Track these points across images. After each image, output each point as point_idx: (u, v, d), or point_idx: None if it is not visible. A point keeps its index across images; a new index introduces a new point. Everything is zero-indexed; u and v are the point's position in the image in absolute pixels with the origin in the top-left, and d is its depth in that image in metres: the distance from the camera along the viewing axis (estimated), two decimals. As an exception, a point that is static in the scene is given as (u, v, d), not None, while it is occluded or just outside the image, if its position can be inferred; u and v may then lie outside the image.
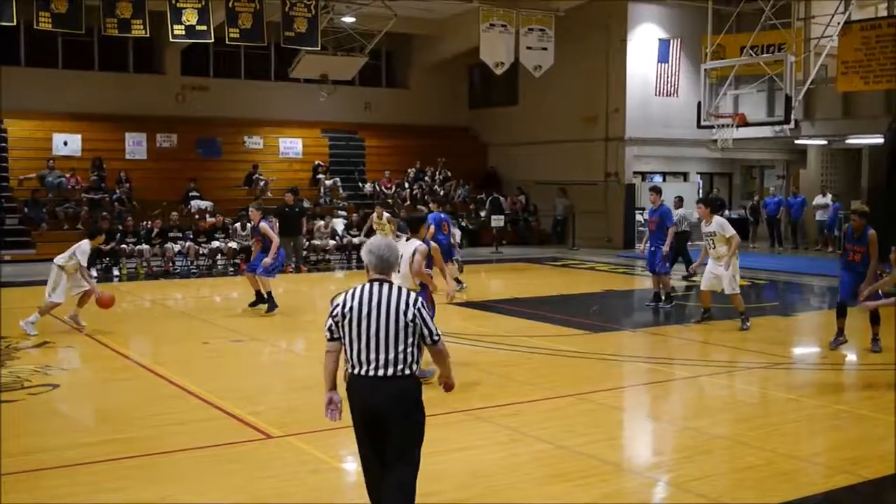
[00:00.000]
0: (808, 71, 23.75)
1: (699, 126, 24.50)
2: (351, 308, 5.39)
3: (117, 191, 24.97)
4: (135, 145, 27.34)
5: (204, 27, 21.47)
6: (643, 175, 29.82)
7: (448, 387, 6.09)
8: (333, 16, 24.54)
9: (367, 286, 5.45)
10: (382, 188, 29.29)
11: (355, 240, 24.03)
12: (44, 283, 13.48)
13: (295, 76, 26.75)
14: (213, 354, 12.22)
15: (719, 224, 13.39)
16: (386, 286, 5.44)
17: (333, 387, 5.57)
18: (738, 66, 23.52)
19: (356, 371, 5.39)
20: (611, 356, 11.98)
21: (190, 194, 25.79)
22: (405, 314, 5.37)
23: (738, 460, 7.58)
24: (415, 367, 5.44)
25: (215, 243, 22.57)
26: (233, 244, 22.54)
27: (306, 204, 25.26)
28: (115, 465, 7.18)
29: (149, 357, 11.87)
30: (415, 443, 5.53)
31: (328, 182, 28.07)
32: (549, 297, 17.45)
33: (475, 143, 33.61)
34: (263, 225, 15.30)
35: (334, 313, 5.45)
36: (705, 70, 23.93)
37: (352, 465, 7.53)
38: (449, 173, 30.73)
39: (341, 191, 28.21)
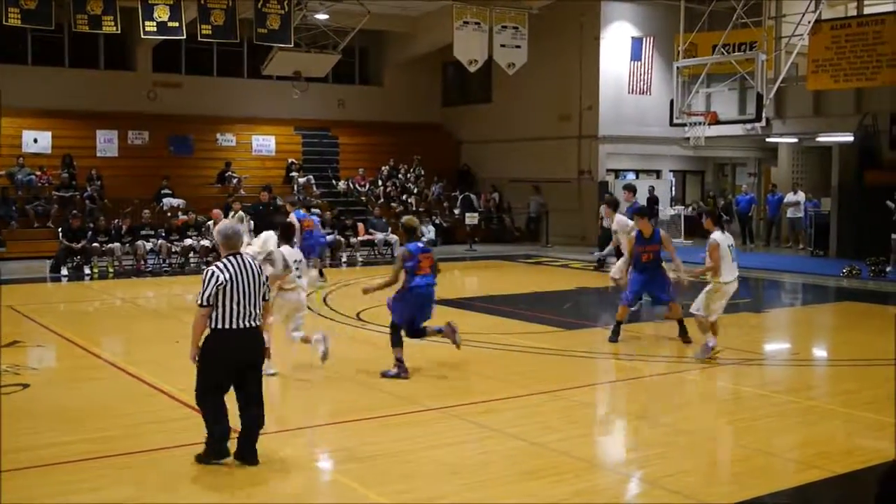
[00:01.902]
0: (779, 69, 23.92)
1: (672, 124, 24.65)
2: (228, 278, 6.86)
3: (88, 188, 24.76)
4: (106, 142, 27.13)
5: (176, 24, 21.33)
6: (616, 173, 29.94)
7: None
8: (306, 13, 24.45)
9: (232, 259, 7.00)
10: (356, 185, 29.24)
11: (328, 237, 23.98)
12: (15, 281, 13.33)
13: (268, 73, 26.63)
14: (186, 353, 12.13)
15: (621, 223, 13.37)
16: (240, 257, 7.05)
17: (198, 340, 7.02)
18: (710, 65, 23.66)
19: (233, 325, 6.88)
20: (584, 353, 12.02)
21: (162, 192, 25.61)
22: (261, 277, 7.09)
23: (710, 456, 7.62)
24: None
25: (188, 241, 22.42)
26: (205, 242, 22.39)
27: (279, 202, 25.16)
28: (90, 464, 7.12)
29: (121, 356, 11.77)
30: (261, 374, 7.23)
31: (301, 180, 27.97)
32: (523, 295, 17.47)
33: (449, 141, 33.60)
34: None
35: (219, 283, 6.83)
36: (678, 68, 24.05)
37: (325, 464, 7.52)
38: (422, 171, 30.71)
39: (315, 188, 28.11)
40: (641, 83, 27.55)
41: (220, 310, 6.86)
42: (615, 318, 12.50)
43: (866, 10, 23.30)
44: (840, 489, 6.81)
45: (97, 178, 25.24)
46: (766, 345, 13.19)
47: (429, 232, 28.23)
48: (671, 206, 29.91)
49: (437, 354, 11.65)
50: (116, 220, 22.35)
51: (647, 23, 28.20)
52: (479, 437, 7.92)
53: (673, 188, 31.30)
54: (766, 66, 22.88)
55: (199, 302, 6.85)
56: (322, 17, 25.59)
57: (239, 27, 22.30)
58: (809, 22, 22.89)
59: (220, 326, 6.89)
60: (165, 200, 25.28)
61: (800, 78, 25.01)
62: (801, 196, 26.55)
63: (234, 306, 6.85)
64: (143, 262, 21.62)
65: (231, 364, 6.98)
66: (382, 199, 28.62)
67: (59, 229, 21.82)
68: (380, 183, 29.66)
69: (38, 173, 24.85)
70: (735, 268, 11.10)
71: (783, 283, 20.18)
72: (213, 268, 6.95)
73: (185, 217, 23.49)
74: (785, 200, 27.01)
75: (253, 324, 6.94)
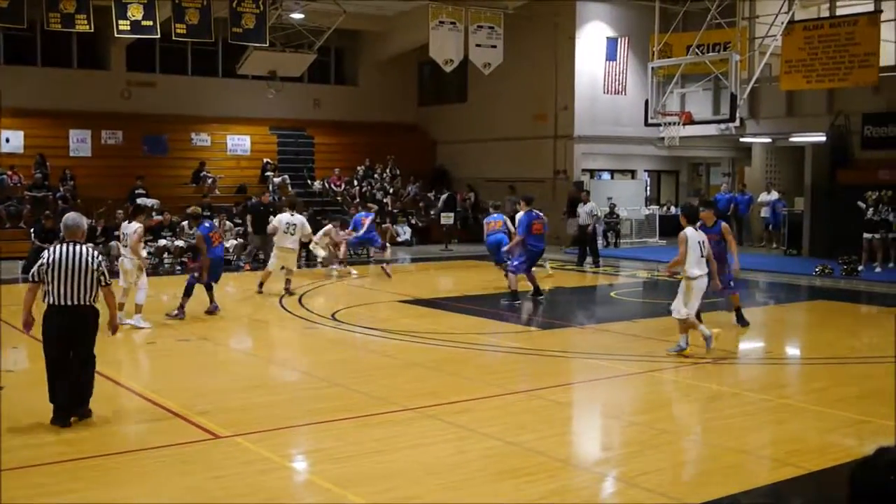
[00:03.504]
0: (753, 70, 24.09)
1: (646, 124, 24.75)
2: (50, 261, 8.00)
3: (61, 188, 24.57)
4: (79, 142, 26.94)
5: (150, 23, 21.21)
6: (591, 172, 30.05)
7: (113, 328, 8.74)
8: (282, 12, 24.39)
9: (64, 246, 8.13)
10: (332, 185, 29.18)
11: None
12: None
13: (243, 73, 26.53)
14: (160, 354, 12.09)
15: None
16: (72, 245, 8.13)
17: (30, 311, 8.18)
18: (685, 65, 23.79)
19: (58, 302, 7.98)
20: (559, 353, 12.05)
21: (136, 192, 25.44)
22: (91, 264, 8.07)
23: (684, 454, 7.67)
24: (95, 299, 8.12)
25: (162, 241, 22.28)
26: (179, 242, 22.27)
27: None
28: (65, 466, 7.08)
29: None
30: (92, 348, 8.27)
31: (277, 179, 27.88)
32: (498, 295, 17.48)
33: (425, 141, 33.60)
34: None
35: (41, 264, 8.02)
36: (652, 68, 24.16)
37: (301, 465, 7.51)
38: (398, 171, 30.70)
39: (290, 188, 28.03)
40: (616, 83, 27.66)
41: (48, 287, 8.01)
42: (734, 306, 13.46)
43: (839, 12, 23.49)
44: (813, 486, 6.87)
45: (70, 178, 25.05)
46: (739, 343, 13.26)
47: (404, 232, 28.26)
48: (646, 205, 30.06)
49: (414, 355, 11.66)
50: (90, 221, 22.16)
51: (622, 23, 28.32)
52: (456, 437, 7.92)
53: (648, 188, 31.45)
54: (739, 67, 23.03)
55: (29, 277, 8.27)
56: (297, 16, 25.53)
57: (214, 26, 22.21)
58: (782, 23, 23.07)
59: (48, 302, 8.05)
60: (140, 200, 25.08)
61: (773, 78, 25.19)
62: (774, 195, 26.75)
63: (58, 286, 7.96)
64: (116, 263, 21.43)
65: (54, 336, 8.03)
66: (358, 199, 28.58)
67: (32, 230, 21.62)
68: (355, 183, 29.62)
69: (10, 173, 24.64)
70: (703, 264, 11.23)
71: (757, 282, 20.32)
72: (45, 251, 8.34)
73: (159, 217, 23.34)
74: (759, 200, 27.20)
75: (75, 302, 7.98)
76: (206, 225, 14.80)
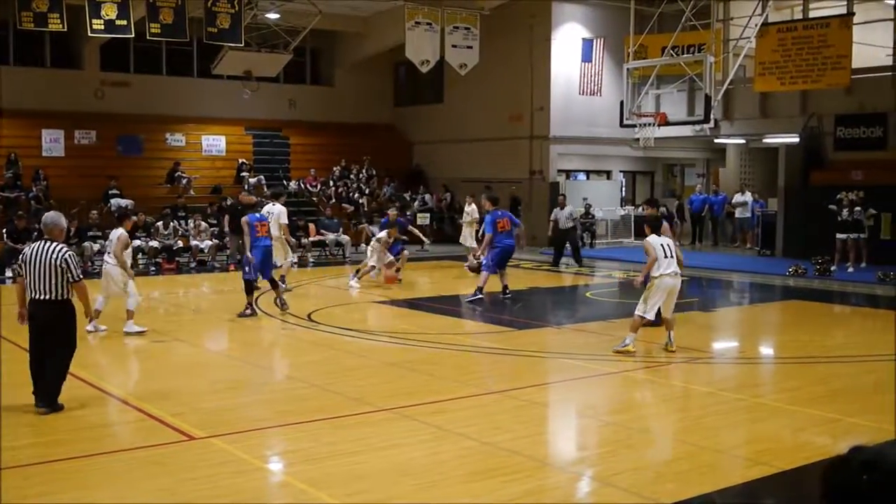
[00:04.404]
0: (727, 71, 24.24)
1: (622, 125, 24.84)
2: (26, 256, 8.56)
3: (33, 188, 24.33)
4: (52, 142, 26.70)
5: (124, 22, 21.04)
6: (567, 173, 30.13)
7: (88, 314, 9.28)
8: (257, 12, 24.28)
9: (38, 244, 8.65)
10: (307, 186, 29.10)
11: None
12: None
13: (218, 73, 26.36)
14: (134, 356, 12.01)
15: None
16: (44, 244, 8.57)
17: (23, 304, 8.70)
18: (660, 66, 23.91)
19: (31, 296, 8.52)
20: (535, 353, 12.07)
21: (110, 192, 25.26)
22: (56, 260, 8.41)
23: (660, 453, 7.70)
24: (66, 295, 8.50)
25: (136, 242, 22.09)
26: (154, 243, 22.15)
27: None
28: (38, 469, 7.02)
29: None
30: (65, 341, 8.59)
31: (252, 180, 27.75)
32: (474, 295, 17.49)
33: (401, 141, 33.56)
34: None
35: (20, 260, 8.69)
36: (627, 69, 24.26)
37: (276, 466, 7.48)
38: (374, 171, 30.65)
39: (266, 189, 27.91)
40: (592, 84, 27.75)
41: (25, 282, 8.59)
42: None
43: (812, 14, 23.67)
44: (786, 485, 6.92)
45: (43, 178, 24.81)
46: (714, 343, 13.35)
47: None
48: (621, 206, 30.19)
49: (390, 356, 11.65)
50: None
51: (598, 24, 28.41)
52: (431, 438, 7.92)
53: (623, 189, 31.57)
54: (714, 68, 23.17)
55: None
56: (273, 16, 25.43)
57: (189, 26, 22.06)
58: (756, 25, 23.22)
59: (27, 296, 8.64)
60: (113, 201, 24.90)
61: (747, 80, 25.36)
62: (748, 196, 26.93)
63: (31, 281, 8.48)
64: (90, 264, 21.31)
65: (29, 328, 8.61)
66: (334, 200, 28.51)
67: (4, 230, 21.42)
68: (331, 183, 29.55)
69: (-18, 173, 24.39)
70: (668, 264, 11.40)
71: (731, 283, 20.45)
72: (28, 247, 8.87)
73: (134, 218, 23.16)
74: (733, 201, 27.37)
75: (42, 297, 8.43)
76: (257, 215, 14.96)
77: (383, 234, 18.90)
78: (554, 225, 22.73)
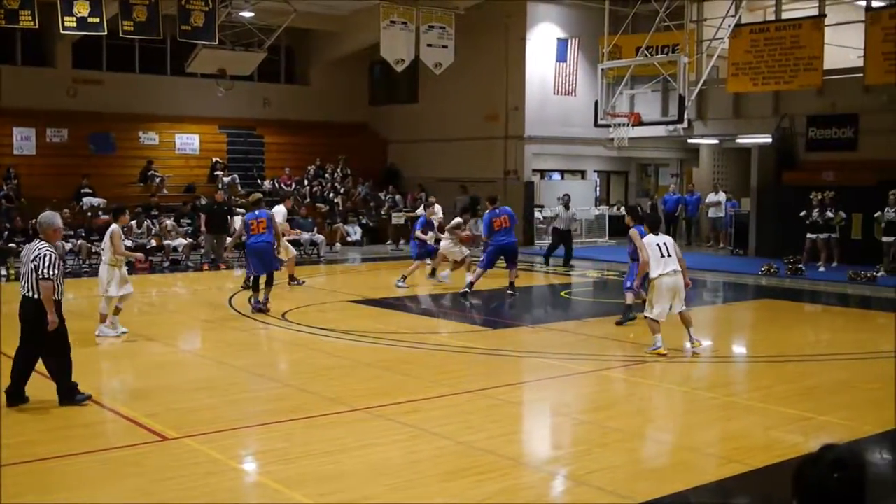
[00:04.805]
0: (701, 72, 24.38)
1: (596, 125, 24.94)
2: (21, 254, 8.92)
3: (4, 187, 24.10)
4: (23, 140, 26.42)
5: (97, 19, 20.88)
6: (542, 173, 30.20)
7: (49, 323, 8.63)
8: (231, 10, 24.15)
9: (32, 242, 8.92)
10: (282, 185, 29.00)
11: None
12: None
13: (192, 71, 26.22)
14: (106, 355, 11.92)
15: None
16: (36, 241, 8.85)
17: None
18: (634, 67, 24.02)
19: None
20: (510, 352, 12.09)
21: (82, 191, 25.07)
22: (32, 257, 8.60)
23: (634, 452, 7.74)
24: (37, 294, 8.56)
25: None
26: (127, 242, 21.96)
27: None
28: (10, 470, 6.92)
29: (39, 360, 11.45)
30: (27, 339, 8.76)
31: (226, 179, 27.65)
32: (449, 294, 17.51)
33: (376, 140, 33.50)
34: None
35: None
36: (602, 70, 24.36)
37: (250, 466, 7.45)
38: (349, 170, 30.59)
39: (240, 188, 27.82)
40: (567, 84, 27.82)
41: None
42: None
43: (784, 15, 23.85)
44: (759, 482, 6.96)
45: (14, 176, 24.58)
46: (687, 342, 13.41)
47: (355, 232, 28.18)
48: (596, 205, 30.30)
49: (364, 355, 11.63)
50: (34, 220, 21.77)
51: (573, 24, 28.48)
52: (406, 437, 7.92)
53: (598, 188, 31.69)
54: (687, 69, 23.30)
55: None
56: (247, 14, 25.31)
57: (162, 24, 21.93)
58: (729, 26, 23.38)
59: None
60: (86, 200, 24.75)
61: (720, 80, 25.52)
62: (722, 196, 27.10)
63: (21, 277, 8.87)
64: (62, 263, 21.13)
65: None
66: (309, 199, 28.43)
67: (-26, 229, 21.24)
68: (306, 182, 29.46)
69: (-48, 171, 24.13)
70: (666, 264, 11.38)
71: (704, 282, 20.56)
72: None
73: (106, 217, 23.02)
74: (706, 201, 27.52)
75: (22, 293, 8.71)
76: (255, 212, 15.10)
77: (459, 219, 18.73)
78: (554, 223, 22.76)
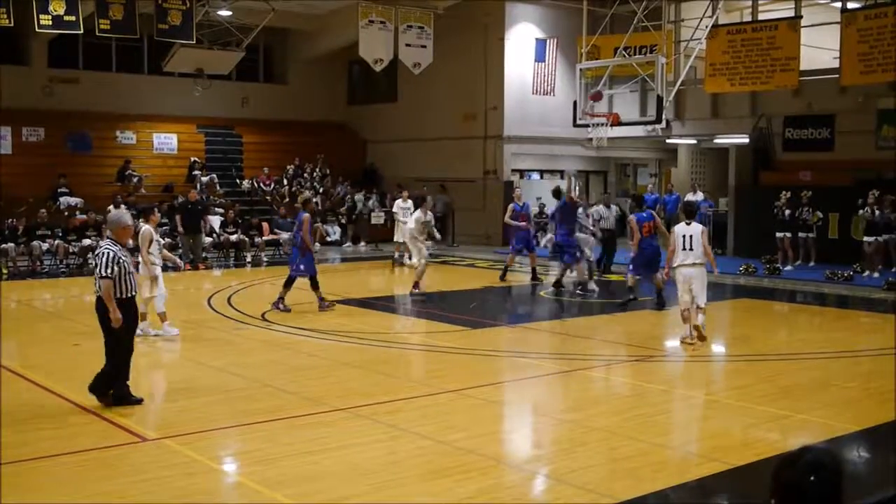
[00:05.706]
0: (679, 72, 24.47)
1: (575, 125, 24.94)
2: None
3: (-20, 187, 23.91)
4: (-1, 139, 26.22)
5: (72, 17, 20.72)
6: (521, 172, 30.24)
7: (114, 321, 8.62)
8: (209, 9, 24.03)
9: None
10: (261, 185, 28.92)
11: (233, 237, 23.72)
12: None
13: (169, 70, 26.08)
14: (85, 357, 11.83)
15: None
16: (104, 241, 9.45)
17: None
18: (612, 67, 24.05)
19: None
20: (490, 352, 12.11)
21: (59, 190, 24.89)
22: (95, 258, 8.93)
23: (614, 451, 7.76)
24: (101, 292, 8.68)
25: (86, 241, 21.82)
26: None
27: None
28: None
29: (16, 360, 11.37)
30: (106, 331, 8.81)
31: (205, 178, 27.52)
32: (429, 294, 17.50)
33: (355, 140, 33.45)
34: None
35: None
36: (580, 70, 24.38)
37: (230, 467, 7.42)
38: (328, 170, 30.53)
39: (218, 187, 27.70)
40: (545, 84, 27.86)
41: None
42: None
43: (761, 16, 23.99)
44: (738, 481, 7.00)
45: (-10, 175, 24.39)
46: (666, 341, 13.48)
47: (334, 232, 28.13)
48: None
49: (344, 355, 11.62)
50: (10, 220, 21.62)
51: (551, 25, 28.54)
52: (386, 437, 7.91)
53: (577, 188, 31.69)
54: (665, 69, 23.35)
55: None
56: (225, 13, 25.19)
57: (139, 22, 21.79)
58: (707, 27, 23.47)
59: None
60: (62, 199, 24.57)
61: (698, 81, 25.62)
62: (700, 196, 27.21)
63: None
64: (38, 263, 21.00)
65: None
66: (287, 199, 28.34)
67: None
68: (285, 182, 29.38)
69: (-74, 171, 23.89)
70: (686, 256, 12.00)
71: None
72: None
73: (83, 216, 22.88)
74: (685, 200, 27.61)
75: (95, 292, 8.86)
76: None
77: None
78: (599, 223, 19.93)
